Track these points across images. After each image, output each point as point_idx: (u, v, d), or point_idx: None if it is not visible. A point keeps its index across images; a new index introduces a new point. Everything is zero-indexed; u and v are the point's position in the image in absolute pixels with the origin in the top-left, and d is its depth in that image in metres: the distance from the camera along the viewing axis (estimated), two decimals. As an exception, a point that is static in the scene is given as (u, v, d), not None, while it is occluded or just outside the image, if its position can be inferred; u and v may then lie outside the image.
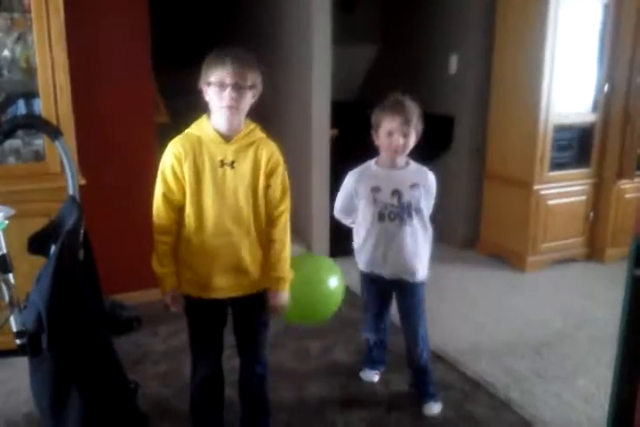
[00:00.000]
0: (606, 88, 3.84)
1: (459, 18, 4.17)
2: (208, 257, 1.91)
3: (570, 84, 3.76)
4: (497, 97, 4.02)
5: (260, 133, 1.93)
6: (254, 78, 1.83)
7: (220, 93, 1.78)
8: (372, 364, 2.67)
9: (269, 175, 1.91)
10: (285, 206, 1.97)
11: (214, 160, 1.85)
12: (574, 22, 3.67)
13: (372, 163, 2.33)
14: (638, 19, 3.68)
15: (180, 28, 5.20)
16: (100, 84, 3.07)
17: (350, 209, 2.38)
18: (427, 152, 2.34)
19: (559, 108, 3.75)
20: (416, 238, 2.30)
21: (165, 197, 1.89)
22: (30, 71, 2.64)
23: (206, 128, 1.87)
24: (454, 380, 2.69)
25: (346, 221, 2.47)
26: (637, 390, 1.66)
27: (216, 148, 1.86)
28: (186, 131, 1.92)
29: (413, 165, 2.32)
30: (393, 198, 2.25)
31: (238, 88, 1.78)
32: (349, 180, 2.34)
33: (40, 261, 1.59)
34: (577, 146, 3.97)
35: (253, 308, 2.04)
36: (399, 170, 2.29)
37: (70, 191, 1.83)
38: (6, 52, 2.65)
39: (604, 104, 3.88)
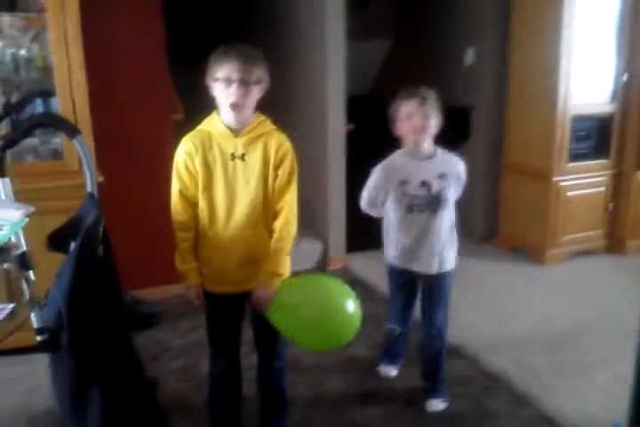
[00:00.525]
0: (625, 78, 3.78)
1: (474, 10, 4.14)
2: (222, 251, 1.93)
3: (588, 74, 3.72)
4: (514, 89, 3.98)
5: (269, 125, 1.94)
6: (261, 73, 1.83)
7: (227, 89, 1.80)
8: (392, 358, 2.65)
9: (278, 166, 1.91)
10: (289, 198, 1.95)
11: (225, 154, 1.87)
12: (591, 12, 3.62)
13: (397, 155, 2.30)
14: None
15: (196, 25, 5.20)
16: (117, 82, 3.09)
17: (377, 202, 2.35)
18: (444, 145, 2.32)
19: (577, 98, 3.71)
20: (446, 229, 2.29)
21: (181, 193, 1.92)
22: (47, 70, 2.66)
23: (216, 123, 1.89)
24: (473, 375, 2.68)
25: (373, 213, 2.43)
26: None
27: (226, 142, 1.87)
28: (197, 127, 1.94)
29: (441, 153, 2.28)
30: (422, 190, 2.22)
31: (245, 84, 1.79)
32: (377, 174, 2.31)
33: (59, 258, 1.60)
34: (596, 136, 3.93)
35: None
36: (426, 160, 2.25)
37: (89, 189, 1.84)
38: (23, 52, 2.68)
39: (623, 94, 3.83)
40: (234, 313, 2.04)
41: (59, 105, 2.63)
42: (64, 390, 1.48)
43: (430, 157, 2.25)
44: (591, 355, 2.82)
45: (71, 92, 2.62)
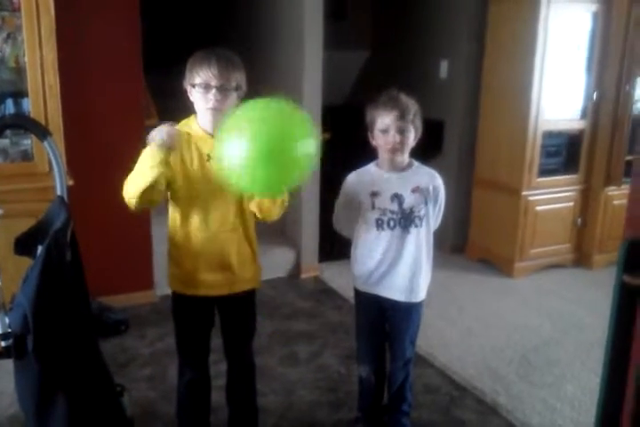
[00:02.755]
0: (595, 96, 3.87)
1: (449, 23, 4.20)
2: (193, 252, 1.91)
3: (559, 91, 3.78)
4: (487, 103, 4.05)
5: None
6: (239, 79, 1.83)
7: (205, 95, 1.79)
8: (370, 417, 2.32)
9: None
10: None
11: (202, 154, 1.86)
12: (564, 30, 3.69)
13: (371, 165, 2.11)
14: (627, 27, 3.71)
15: (172, 28, 5.19)
16: (91, 84, 3.05)
17: (351, 217, 2.14)
18: (416, 157, 2.26)
19: (548, 114, 3.78)
20: (418, 250, 2.08)
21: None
22: (19, 71, 2.62)
23: (194, 126, 1.89)
24: (442, 384, 2.69)
25: (347, 233, 2.21)
26: (624, 397, 1.67)
27: (203, 142, 1.87)
28: (176, 127, 1.93)
29: (417, 166, 2.09)
30: (393, 204, 2.03)
31: (223, 90, 1.79)
32: (347, 184, 2.12)
33: (26, 262, 1.57)
34: (566, 152, 4.00)
35: (240, 308, 2.03)
36: (400, 172, 2.06)
37: (58, 191, 1.81)
38: (-5, 51, 2.63)
39: (593, 111, 3.91)
40: (204, 319, 2.02)
41: (30, 106, 2.59)
42: (29, 397, 1.44)
43: (405, 169, 2.07)
44: (559, 367, 2.85)
45: (43, 94, 2.57)
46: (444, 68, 4.26)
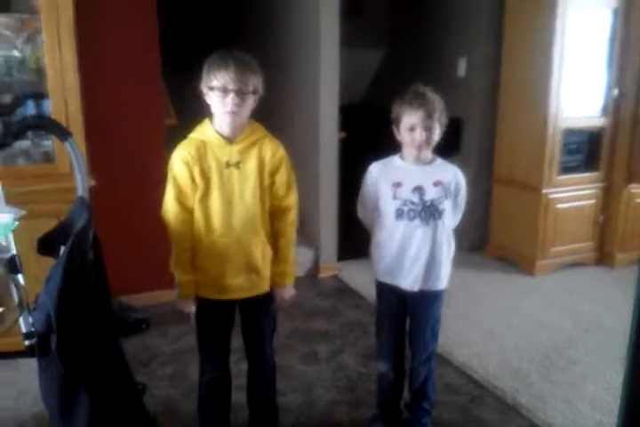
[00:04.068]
0: (615, 93, 3.82)
1: (467, 21, 4.17)
2: (219, 258, 1.92)
3: (579, 88, 3.75)
4: (506, 100, 4.01)
5: (262, 131, 1.95)
6: (256, 83, 1.83)
7: (223, 99, 1.80)
8: (386, 418, 2.33)
9: (274, 172, 1.93)
10: (291, 202, 1.99)
11: (220, 162, 1.87)
12: (583, 26, 3.66)
13: (395, 157, 2.14)
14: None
15: (191, 31, 5.21)
16: (110, 85, 3.08)
17: (373, 206, 2.16)
18: (436, 155, 2.26)
19: (568, 111, 3.74)
20: (436, 242, 2.09)
21: (180, 202, 1.90)
22: (40, 72, 2.65)
23: (209, 132, 1.89)
24: (462, 383, 2.68)
25: (369, 222, 2.22)
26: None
27: (220, 150, 1.87)
28: (190, 135, 1.93)
29: (441, 161, 2.13)
30: (414, 195, 2.06)
31: (241, 94, 1.79)
32: (371, 173, 2.15)
33: (49, 262, 1.59)
34: (586, 150, 3.96)
35: (262, 307, 2.05)
36: (424, 165, 2.10)
37: (80, 192, 1.83)
38: (16, 53, 2.66)
39: (614, 108, 3.86)
40: (225, 320, 2.04)
41: (51, 107, 2.62)
42: (52, 395, 1.46)
43: (428, 163, 2.11)
44: (581, 366, 2.82)
45: (64, 95, 2.60)
46: (462, 65, 4.24)
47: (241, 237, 1.91)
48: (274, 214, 1.98)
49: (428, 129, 2.01)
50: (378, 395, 2.35)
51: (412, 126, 2.01)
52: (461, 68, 4.24)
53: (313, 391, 2.61)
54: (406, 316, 2.22)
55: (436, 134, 2.05)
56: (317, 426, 2.39)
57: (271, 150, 1.92)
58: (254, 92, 1.84)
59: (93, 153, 2.71)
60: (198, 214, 1.90)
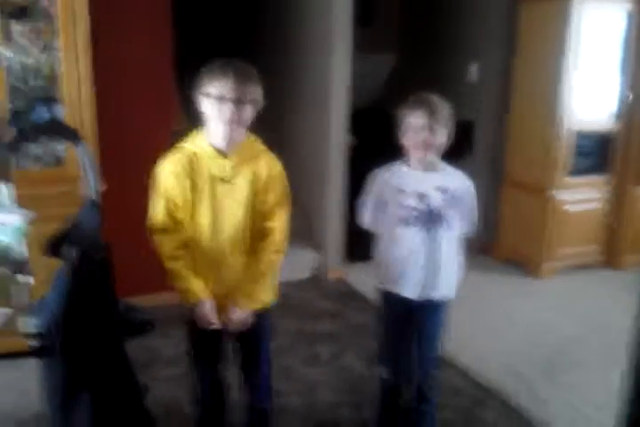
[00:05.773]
0: (629, 96, 3.81)
1: (478, 26, 4.18)
2: (207, 279, 1.86)
3: (592, 91, 3.75)
4: (517, 104, 4.02)
5: (259, 146, 1.88)
6: (255, 92, 1.76)
7: (220, 107, 1.72)
8: (387, 417, 2.31)
9: (268, 189, 1.85)
10: (278, 223, 1.88)
11: (212, 176, 1.79)
12: (597, 30, 3.65)
13: (399, 163, 2.10)
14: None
15: (203, 36, 5.26)
16: (123, 92, 3.12)
17: (376, 213, 2.14)
18: (447, 158, 2.21)
19: (580, 114, 3.74)
20: (440, 250, 2.06)
21: (170, 214, 1.83)
22: (53, 78, 2.70)
23: (201, 143, 1.80)
24: (465, 386, 2.70)
25: (371, 228, 2.21)
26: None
27: (214, 163, 1.79)
28: (181, 145, 1.85)
29: (448, 168, 2.09)
30: (419, 202, 2.02)
31: (239, 103, 1.71)
32: (374, 180, 2.12)
33: (57, 264, 1.62)
34: (597, 153, 3.95)
35: (254, 332, 1.96)
36: (430, 172, 2.06)
37: (91, 196, 1.86)
38: (32, 60, 2.72)
39: (627, 112, 3.85)
40: (216, 336, 1.98)
41: (65, 113, 2.67)
42: (54, 395, 1.49)
43: (434, 169, 2.06)
44: (584, 368, 2.83)
45: (79, 101, 2.66)
46: (473, 70, 4.25)
47: (230, 257, 1.84)
48: (257, 235, 1.86)
49: (432, 130, 1.97)
50: (378, 399, 2.34)
51: (416, 127, 1.98)
52: (473, 73, 4.26)
53: (315, 393, 2.63)
54: (411, 323, 2.18)
55: (442, 138, 2.00)
56: (320, 427, 2.41)
57: (267, 166, 1.84)
58: (252, 102, 1.75)
59: (104, 158, 2.76)
60: (187, 227, 1.85)
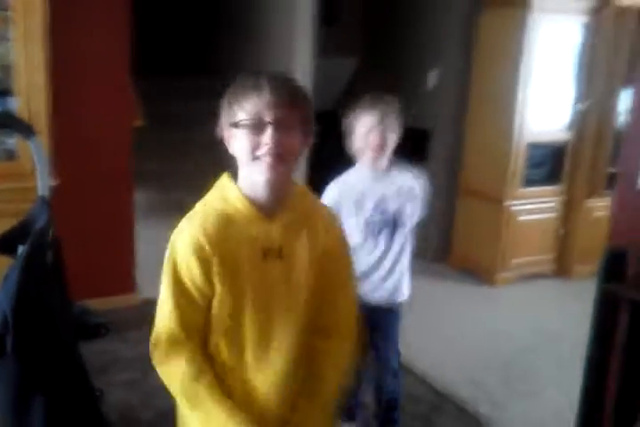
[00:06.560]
0: (581, 107, 3.91)
1: (438, 33, 4.23)
2: (257, 398, 1.23)
3: (546, 102, 3.83)
4: (473, 113, 4.08)
5: (312, 198, 1.33)
6: (306, 114, 1.19)
7: (257, 137, 1.14)
8: (348, 410, 2.33)
9: (331, 259, 1.26)
10: (349, 311, 1.29)
11: (254, 250, 1.18)
12: (552, 41, 3.73)
13: (351, 172, 2.11)
14: (615, 40, 3.76)
15: (163, 35, 5.18)
16: (78, 85, 3.04)
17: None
18: (402, 165, 2.25)
19: (534, 126, 3.81)
20: (401, 252, 2.10)
21: (184, 320, 1.19)
22: (7, 69, 2.60)
23: (234, 197, 1.19)
24: (423, 393, 2.69)
25: None
26: (604, 405, 1.68)
27: (254, 228, 1.18)
28: (204, 202, 1.23)
29: (397, 169, 2.10)
30: (377, 209, 2.04)
31: (284, 127, 1.14)
32: (330, 193, 2.08)
33: (7, 261, 1.56)
34: (550, 163, 4.04)
35: None
36: (382, 177, 2.07)
37: (40, 191, 1.80)
38: (-16, 49, 2.61)
39: (578, 123, 3.95)
40: None
41: (17, 105, 2.57)
42: (6, 398, 1.43)
43: (386, 173, 2.08)
44: (540, 375, 2.87)
45: (30, 93, 2.56)
46: (432, 77, 4.29)
47: (283, 373, 1.23)
48: (317, 331, 1.26)
49: (383, 132, 1.99)
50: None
51: (368, 129, 1.99)
52: (432, 79, 4.30)
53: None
54: (371, 328, 2.13)
55: (393, 139, 2.02)
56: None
57: (325, 226, 1.27)
58: (303, 126, 1.18)
59: (59, 152, 2.66)
60: (218, 338, 1.21)
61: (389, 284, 2.11)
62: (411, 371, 2.85)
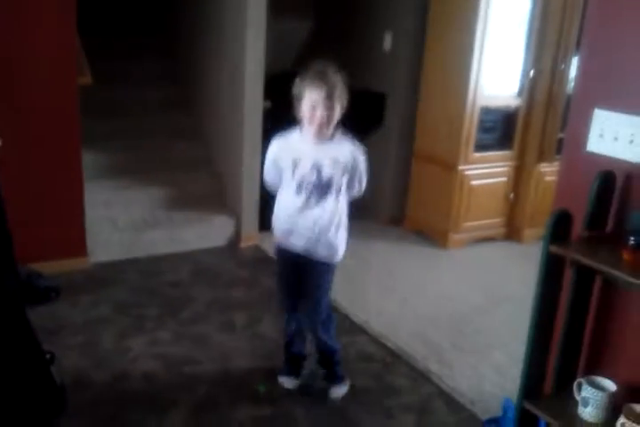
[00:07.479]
0: (532, 73, 3.95)
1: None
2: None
3: (498, 67, 3.84)
4: (428, 77, 4.07)
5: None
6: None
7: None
8: (289, 364, 2.50)
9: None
10: None
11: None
12: (506, 7, 3.73)
13: (296, 132, 2.21)
14: (564, 7, 3.79)
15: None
16: (23, 41, 2.89)
17: (279, 177, 2.27)
18: (358, 129, 2.27)
19: (487, 90, 3.84)
20: (329, 215, 2.21)
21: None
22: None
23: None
24: (376, 352, 2.76)
25: (274, 188, 2.34)
26: (547, 365, 1.75)
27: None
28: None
29: (340, 138, 2.19)
30: (312, 173, 2.15)
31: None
32: (273, 147, 2.27)
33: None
34: (501, 128, 4.08)
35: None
36: (322, 144, 2.16)
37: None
38: None
39: (529, 89, 4.00)
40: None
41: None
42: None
43: (327, 141, 2.16)
44: (488, 335, 2.96)
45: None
46: (387, 40, 4.24)
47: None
48: None
49: (329, 108, 2.07)
50: (283, 348, 2.49)
51: (313, 105, 2.07)
52: (387, 42, 4.25)
53: (230, 361, 2.61)
54: (297, 275, 2.34)
55: (337, 114, 2.11)
56: (233, 395, 2.39)
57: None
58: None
59: (1, 111, 2.55)
60: None
61: (308, 239, 2.22)
62: (365, 330, 2.91)
